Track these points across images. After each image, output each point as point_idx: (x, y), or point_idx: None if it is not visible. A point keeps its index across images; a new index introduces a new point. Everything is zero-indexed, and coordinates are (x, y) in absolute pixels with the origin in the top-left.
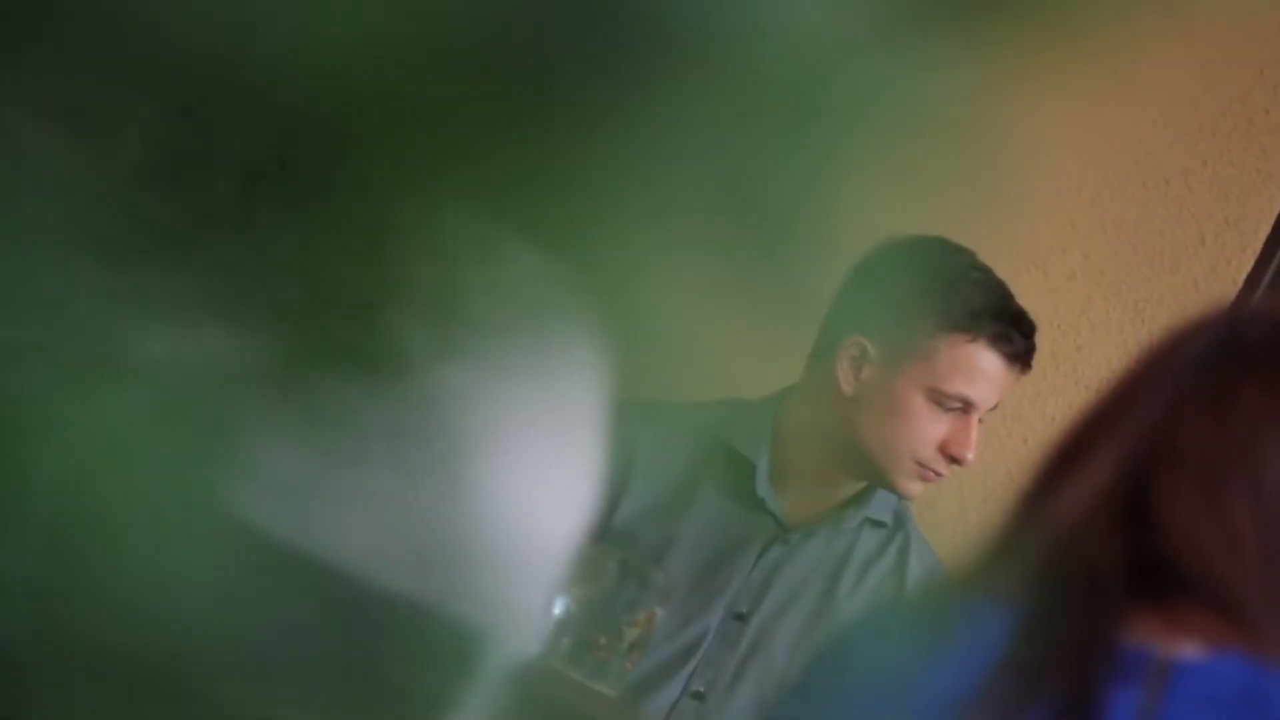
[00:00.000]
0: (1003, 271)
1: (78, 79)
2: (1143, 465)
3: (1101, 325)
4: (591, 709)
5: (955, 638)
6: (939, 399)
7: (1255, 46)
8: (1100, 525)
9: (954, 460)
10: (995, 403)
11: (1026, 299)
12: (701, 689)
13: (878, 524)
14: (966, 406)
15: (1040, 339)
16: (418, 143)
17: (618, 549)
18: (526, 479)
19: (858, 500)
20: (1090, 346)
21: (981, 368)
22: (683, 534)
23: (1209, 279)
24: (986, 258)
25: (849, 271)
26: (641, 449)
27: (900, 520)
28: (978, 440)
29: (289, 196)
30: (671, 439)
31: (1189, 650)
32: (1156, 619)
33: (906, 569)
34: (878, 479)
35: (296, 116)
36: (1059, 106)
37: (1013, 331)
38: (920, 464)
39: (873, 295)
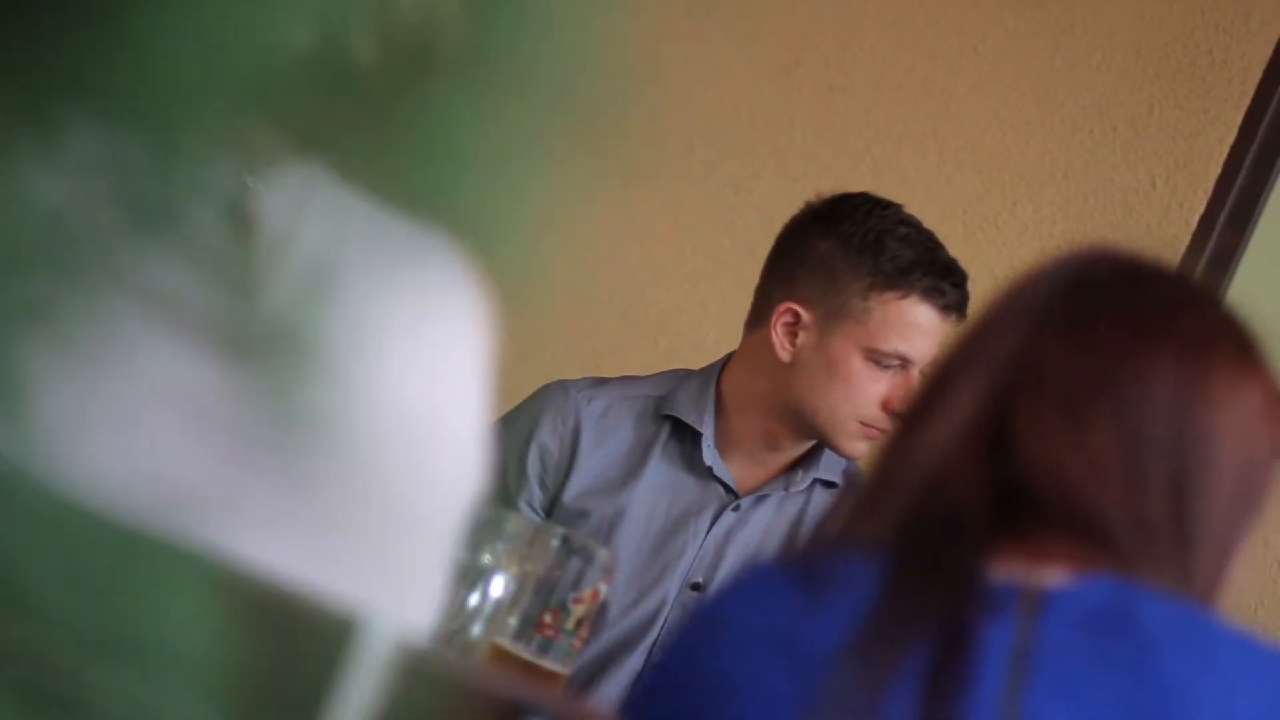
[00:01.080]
0: (954, 229)
1: None
2: (1004, 395)
3: None
4: (533, 686)
5: (831, 590)
6: (877, 358)
7: None
8: (963, 459)
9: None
10: (933, 356)
11: (980, 255)
12: None
13: (829, 484)
14: (905, 363)
15: (996, 293)
16: None
17: (560, 526)
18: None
19: (806, 462)
20: None
21: (916, 323)
22: (633, 507)
23: (1161, 223)
24: (939, 217)
25: (777, 237)
26: (587, 424)
27: (851, 479)
28: None
29: None
30: (616, 413)
31: (1056, 577)
32: (1021, 551)
33: None
34: (822, 440)
35: None
36: (999, 59)
37: (944, 283)
38: (864, 424)
39: (800, 260)
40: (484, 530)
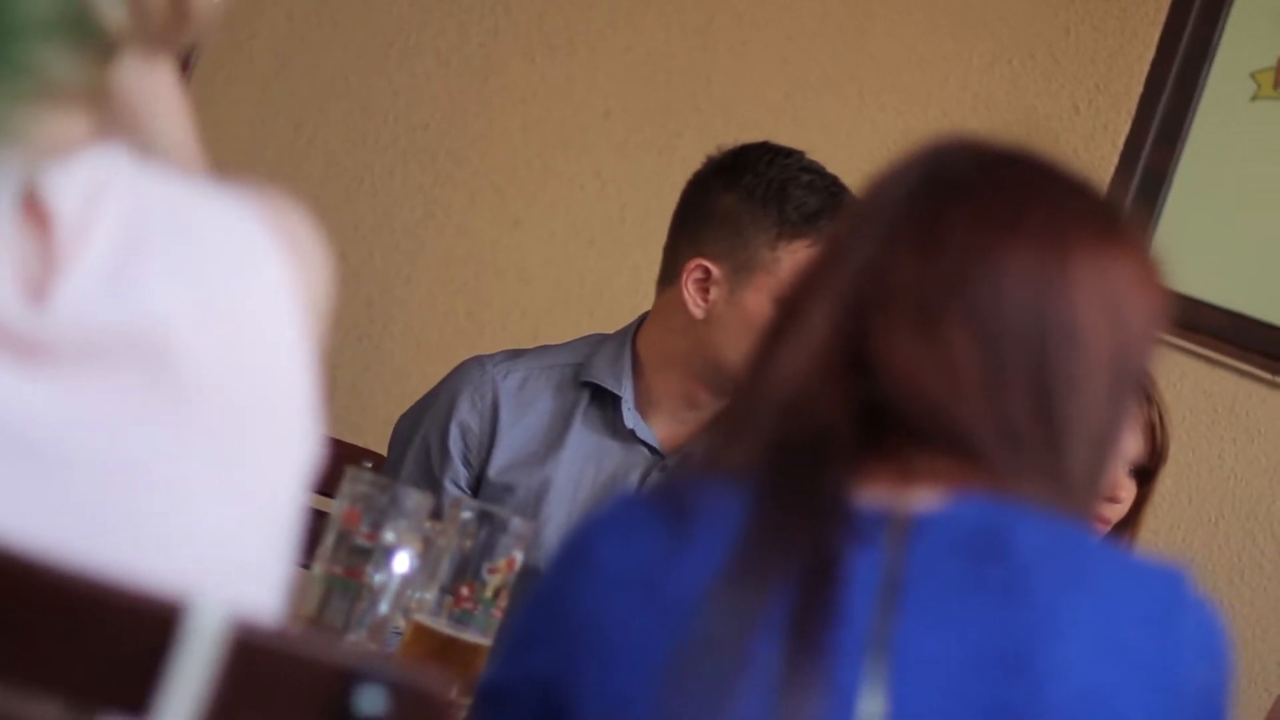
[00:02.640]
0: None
1: None
2: (858, 312)
3: None
4: (450, 660)
5: (695, 528)
6: None
7: None
8: (822, 382)
9: None
10: None
11: None
12: None
13: None
14: None
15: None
16: None
17: (473, 500)
18: None
19: None
20: None
21: None
22: (559, 477)
23: (1088, 146)
24: (865, 161)
25: (681, 194)
26: (505, 398)
27: None
28: None
29: None
30: (534, 384)
31: (927, 500)
32: (890, 472)
33: None
34: None
35: None
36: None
37: None
38: None
39: (706, 215)
40: (384, 508)
